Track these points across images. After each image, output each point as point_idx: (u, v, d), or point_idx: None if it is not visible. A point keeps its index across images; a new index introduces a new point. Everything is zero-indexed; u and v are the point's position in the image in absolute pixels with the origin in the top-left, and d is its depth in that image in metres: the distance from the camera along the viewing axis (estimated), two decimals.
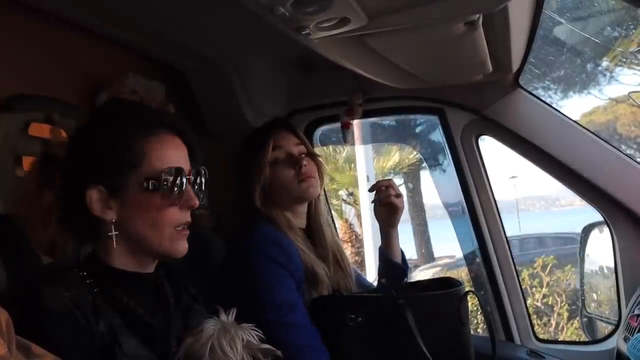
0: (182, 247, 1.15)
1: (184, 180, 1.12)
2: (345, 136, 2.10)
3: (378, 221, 1.84)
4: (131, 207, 1.10)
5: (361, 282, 1.89)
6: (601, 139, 2.00)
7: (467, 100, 2.11)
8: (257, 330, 1.12)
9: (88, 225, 1.12)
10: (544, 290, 5.28)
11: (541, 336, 2.18)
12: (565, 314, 5.07)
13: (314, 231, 1.75)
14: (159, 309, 1.17)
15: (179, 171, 1.12)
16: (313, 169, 1.70)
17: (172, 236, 1.13)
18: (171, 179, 1.10)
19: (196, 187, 1.18)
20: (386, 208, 1.79)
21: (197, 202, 1.16)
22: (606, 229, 2.06)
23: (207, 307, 1.30)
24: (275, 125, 1.76)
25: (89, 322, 1.02)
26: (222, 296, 1.48)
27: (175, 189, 1.11)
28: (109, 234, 1.10)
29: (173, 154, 1.14)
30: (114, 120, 1.15)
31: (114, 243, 1.10)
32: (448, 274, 5.31)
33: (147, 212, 1.11)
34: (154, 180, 1.10)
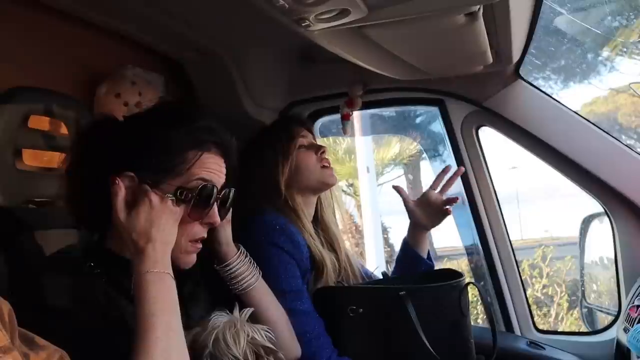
0: (191, 260, 1.17)
1: (213, 198, 1.15)
2: (344, 127, 2.10)
3: (418, 219, 1.86)
4: None
5: (367, 272, 1.91)
6: (601, 129, 2.00)
7: (468, 91, 2.11)
8: (268, 332, 1.12)
9: (105, 213, 1.11)
10: (544, 280, 5.29)
11: (541, 327, 2.18)
12: (565, 305, 5.07)
13: (321, 223, 1.79)
14: None
15: (211, 189, 1.14)
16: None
17: (186, 249, 1.15)
18: (203, 195, 1.12)
19: (220, 202, 1.20)
20: (440, 212, 1.83)
21: (218, 221, 1.18)
22: (606, 220, 2.06)
23: (210, 290, 1.31)
24: (298, 120, 1.89)
25: (95, 312, 1.02)
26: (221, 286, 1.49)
27: (203, 205, 1.13)
28: None
29: (213, 175, 1.16)
30: (176, 123, 1.15)
31: None
32: (448, 265, 5.32)
33: None
34: (186, 191, 1.11)
